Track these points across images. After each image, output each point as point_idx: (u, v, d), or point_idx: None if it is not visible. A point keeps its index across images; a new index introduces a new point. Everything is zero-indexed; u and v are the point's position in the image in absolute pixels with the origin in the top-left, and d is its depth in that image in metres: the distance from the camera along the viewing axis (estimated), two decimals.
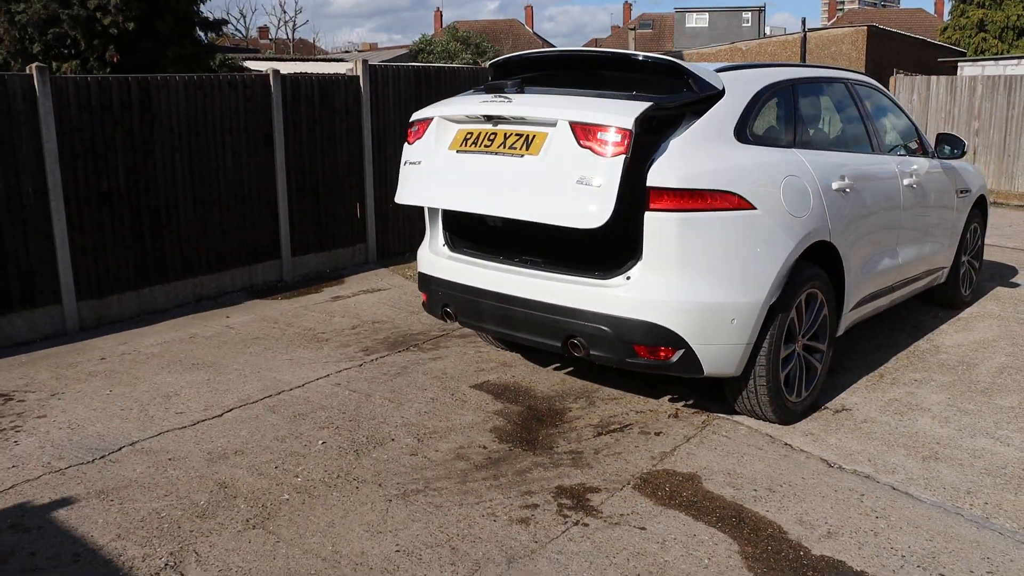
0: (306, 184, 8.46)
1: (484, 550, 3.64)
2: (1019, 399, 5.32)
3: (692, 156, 4.33)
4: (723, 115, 4.58)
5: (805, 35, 22.93)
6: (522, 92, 4.72)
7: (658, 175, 4.20)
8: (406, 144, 5.19)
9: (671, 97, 4.43)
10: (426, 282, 5.34)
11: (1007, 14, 37.58)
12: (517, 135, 4.57)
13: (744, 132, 4.64)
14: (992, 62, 22.84)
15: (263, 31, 62.58)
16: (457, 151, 4.82)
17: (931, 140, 6.90)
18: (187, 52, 13.60)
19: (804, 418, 4.98)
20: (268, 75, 8.03)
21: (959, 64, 22.82)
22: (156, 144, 7.14)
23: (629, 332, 4.33)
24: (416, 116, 5.16)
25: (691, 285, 4.31)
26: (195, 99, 7.39)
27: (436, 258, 5.26)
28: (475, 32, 51.05)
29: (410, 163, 5.09)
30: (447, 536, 3.74)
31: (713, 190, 4.28)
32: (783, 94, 5.13)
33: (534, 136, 4.49)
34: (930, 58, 27.08)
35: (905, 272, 6.14)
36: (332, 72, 8.92)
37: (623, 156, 4.11)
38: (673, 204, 4.20)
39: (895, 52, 25.01)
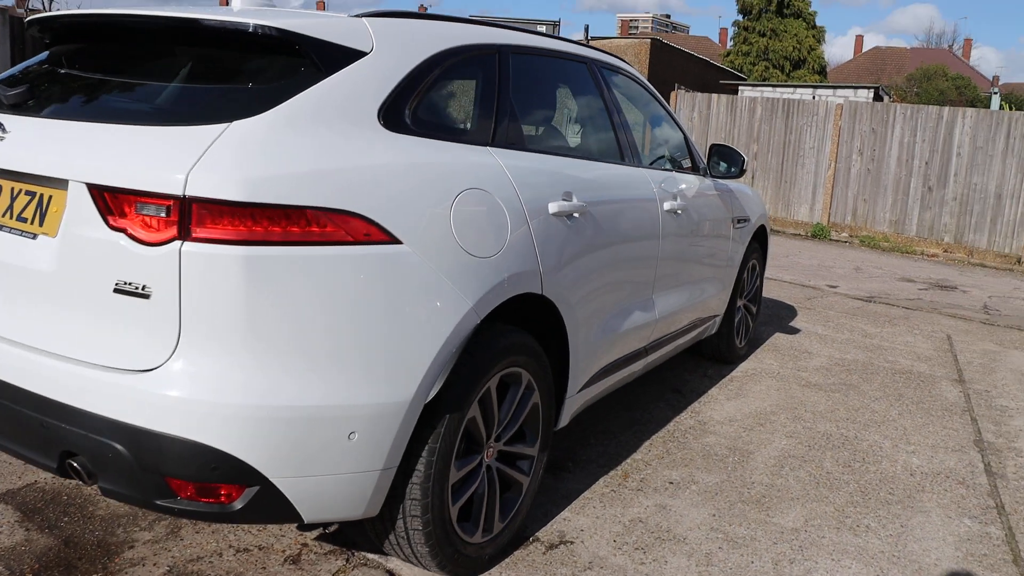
0: None
1: None
2: (804, 513, 3.80)
3: (282, 145, 2.42)
4: (361, 83, 2.71)
5: (588, 43, 21.95)
6: (27, 109, 2.71)
7: (208, 176, 2.28)
8: None
9: (267, 98, 2.52)
10: None
11: (785, 45, 38.86)
12: (27, 194, 2.58)
13: (400, 114, 2.79)
14: (771, 89, 22.72)
15: None
16: None
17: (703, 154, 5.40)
18: None
19: (499, 562, 3.23)
20: None
21: (740, 88, 22.53)
22: None
23: (156, 455, 2.35)
24: None
25: (269, 375, 2.37)
26: None
27: None
28: None
29: None
30: None
31: (316, 208, 2.38)
32: (482, 65, 3.34)
33: (49, 200, 2.52)
34: (712, 79, 26.95)
35: (665, 327, 4.57)
36: None
37: (178, 241, 2.26)
38: (236, 230, 2.28)
39: (679, 69, 24.54)
